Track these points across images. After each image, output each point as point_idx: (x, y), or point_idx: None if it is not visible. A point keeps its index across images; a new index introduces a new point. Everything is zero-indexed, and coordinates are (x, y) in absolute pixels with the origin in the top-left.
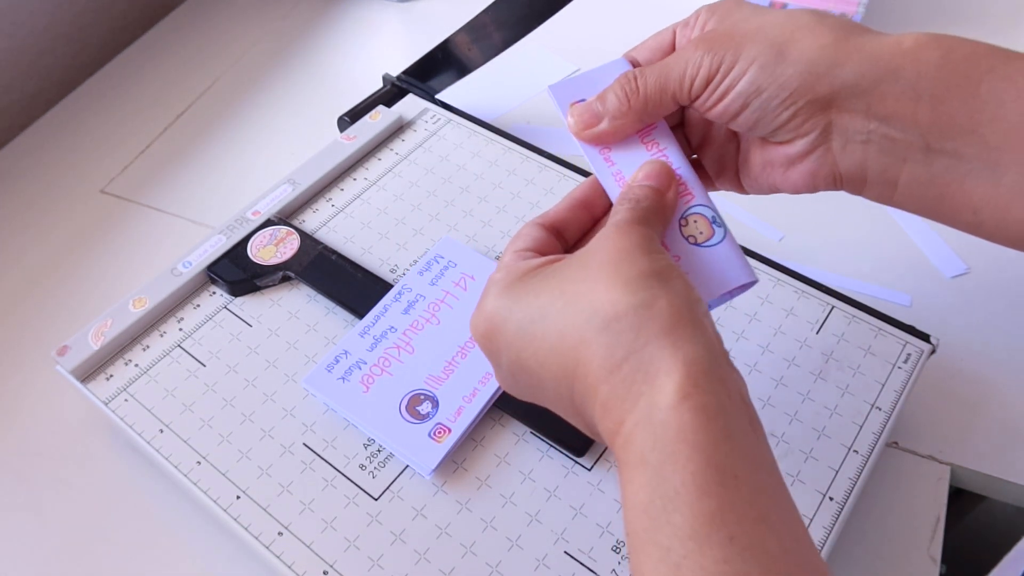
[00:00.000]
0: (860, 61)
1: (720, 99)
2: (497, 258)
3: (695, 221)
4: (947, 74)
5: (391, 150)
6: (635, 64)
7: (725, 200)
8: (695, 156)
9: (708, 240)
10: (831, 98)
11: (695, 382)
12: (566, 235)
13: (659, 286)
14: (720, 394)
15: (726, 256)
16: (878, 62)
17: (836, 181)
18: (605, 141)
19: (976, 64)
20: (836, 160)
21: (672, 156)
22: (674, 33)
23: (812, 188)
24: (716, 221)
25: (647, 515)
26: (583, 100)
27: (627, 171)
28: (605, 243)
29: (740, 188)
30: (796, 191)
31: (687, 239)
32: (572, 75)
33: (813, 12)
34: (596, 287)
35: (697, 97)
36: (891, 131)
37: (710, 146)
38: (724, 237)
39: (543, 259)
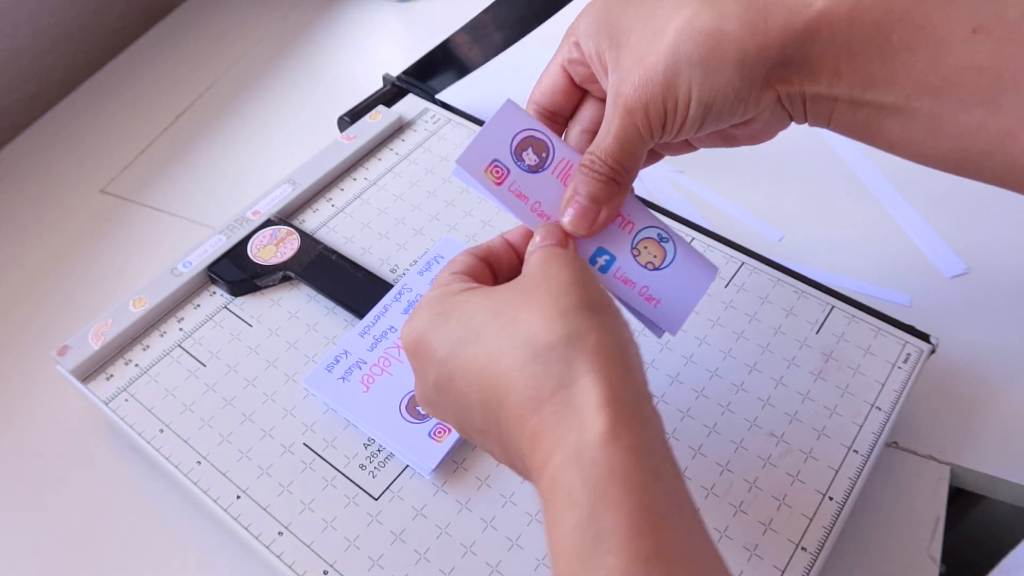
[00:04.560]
0: (779, 38)
1: (679, 130)
2: None
3: (645, 247)
4: (858, 28)
5: (391, 150)
6: (544, 111)
7: (722, 200)
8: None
9: (664, 260)
10: (769, 75)
11: (625, 422)
12: (498, 270)
13: (593, 319)
14: (646, 436)
15: (686, 266)
16: (796, 32)
17: (789, 123)
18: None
19: (887, 12)
20: (790, 113)
21: None
22: (563, 68)
23: (773, 136)
24: (663, 238)
25: (578, 558)
26: (495, 161)
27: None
28: (545, 268)
29: (690, 149)
30: (759, 143)
31: (646, 267)
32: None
33: (708, 4)
34: (532, 315)
35: (659, 139)
36: (820, 88)
37: None
38: (676, 250)
39: (478, 285)
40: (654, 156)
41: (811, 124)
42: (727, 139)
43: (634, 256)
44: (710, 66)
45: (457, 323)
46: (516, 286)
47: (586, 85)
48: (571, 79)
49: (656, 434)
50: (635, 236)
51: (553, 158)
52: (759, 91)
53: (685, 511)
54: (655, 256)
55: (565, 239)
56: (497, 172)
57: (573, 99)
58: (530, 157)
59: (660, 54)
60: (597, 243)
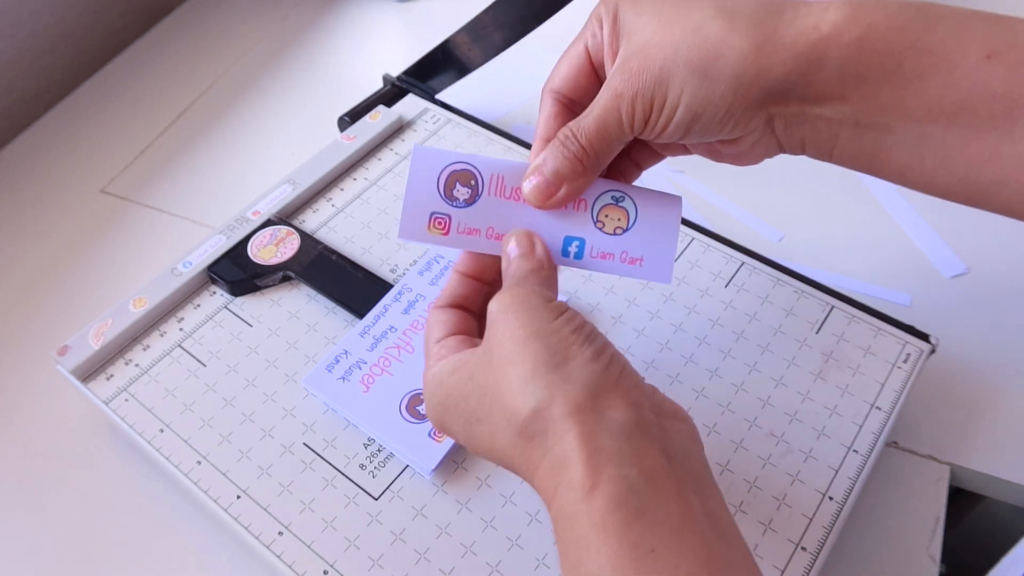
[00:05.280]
0: (783, 61)
1: (661, 131)
2: None
3: (607, 216)
4: (868, 55)
5: (391, 150)
6: (563, 99)
7: (722, 200)
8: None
9: (629, 220)
10: (765, 97)
11: (599, 470)
12: (470, 302)
13: (554, 379)
14: (630, 475)
15: (652, 215)
16: (800, 56)
17: (779, 152)
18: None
19: (899, 39)
20: (780, 140)
21: None
22: (586, 49)
23: (758, 162)
24: (618, 198)
25: None
26: (433, 214)
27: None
28: (502, 329)
29: (687, 151)
30: (743, 165)
31: (615, 234)
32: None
33: (721, 13)
34: (504, 391)
35: (639, 134)
36: (823, 111)
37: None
38: (636, 204)
39: (462, 353)
40: (655, 156)
41: (810, 155)
42: (713, 152)
43: (600, 229)
44: (706, 76)
45: (456, 410)
46: (486, 355)
47: (600, 71)
48: (592, 61)
49: (647, 463)
50: (592, 209)
51: (483, 181)
52: (751, 111)
53: (685, 532)
54: (619, 219)
55: (532, 248)
56: (439, 223)
57: (594, 83)
58: (462, 192)
59: (661, 48)
60: (563, 232)
